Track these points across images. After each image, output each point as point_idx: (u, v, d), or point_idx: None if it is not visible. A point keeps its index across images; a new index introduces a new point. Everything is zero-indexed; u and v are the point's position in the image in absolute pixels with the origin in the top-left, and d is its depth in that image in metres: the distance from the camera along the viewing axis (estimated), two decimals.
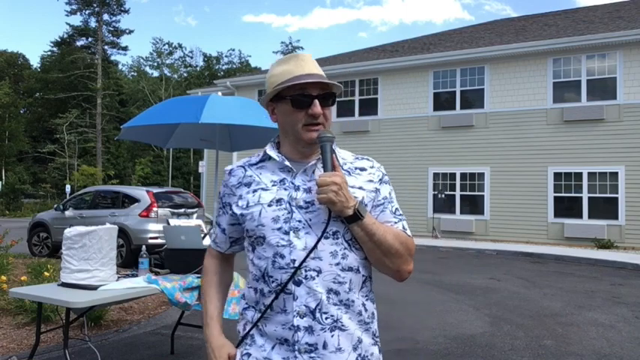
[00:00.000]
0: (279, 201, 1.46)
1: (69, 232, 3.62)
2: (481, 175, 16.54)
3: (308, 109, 1.46)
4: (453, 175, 17.01)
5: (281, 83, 1.47)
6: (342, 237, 1.45)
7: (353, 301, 1.46)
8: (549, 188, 15.46)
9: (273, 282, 1.44)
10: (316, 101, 1.45)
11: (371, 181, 1.54)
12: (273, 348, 1.45)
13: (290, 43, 50.48)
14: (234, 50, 70.91)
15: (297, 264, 1.41)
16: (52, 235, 11.51)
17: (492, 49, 16.33)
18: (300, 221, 1.44)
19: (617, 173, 14.65)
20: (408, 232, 1.55)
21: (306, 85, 1.46)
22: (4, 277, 6.39)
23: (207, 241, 4.05)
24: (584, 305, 7.23)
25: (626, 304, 7.35)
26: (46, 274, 6.29)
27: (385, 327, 5.89)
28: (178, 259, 4.11)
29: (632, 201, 14.38)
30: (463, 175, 16.84)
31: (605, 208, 14.74)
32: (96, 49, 46.59)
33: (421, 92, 17.73)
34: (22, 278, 6.68)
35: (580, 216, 15.01)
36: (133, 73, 50.36)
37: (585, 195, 15.00)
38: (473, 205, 16.68)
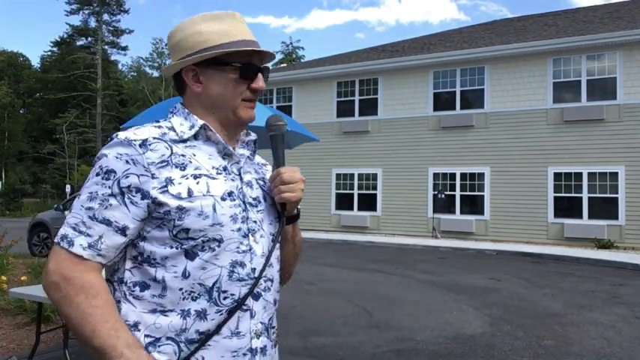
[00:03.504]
0: (230, 194, 1.20)
1: None
2: (481, 175, 16.53)
3: (252, 82, 1.26)
4: (452, 175, 17.00)
5: (225, 45, 1.22)
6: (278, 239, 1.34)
7: (276, 311, 1.33)
8: (549, 188, 15.46)
9: (225, 298, 1.16)
10: (260, 74, 1.27)
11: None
12: None
13: (291, 43, 50.41)
14: None
15: (257, 273, 1.20)
16: (52, 235, 11.50)
17: (492, 49, 16.33)
18: (255, 222, 1.24)
19: (617, 173, 14.64)
20: None
21: (252, 53, 1.25)
22: (4, 277, 6.40)
23: None
24: (584, 305, 7.23)
25: (626, 304, 7.35)
26: None
27: (385, 327, 5.90)
28: None
29: (632, 201, 14.38)
30: (463, 175, 16.83)
31: (605, 208, 14.74)
32: (96, 49, 46.50)
33: (421, 92, 17.72)
34: (22, 278, 6.68)
35: (580, 216, 15.01)
36: (132, 73, 50.39)
37: (585, 195, 15.00)
38: (473, 205, 16.68)
